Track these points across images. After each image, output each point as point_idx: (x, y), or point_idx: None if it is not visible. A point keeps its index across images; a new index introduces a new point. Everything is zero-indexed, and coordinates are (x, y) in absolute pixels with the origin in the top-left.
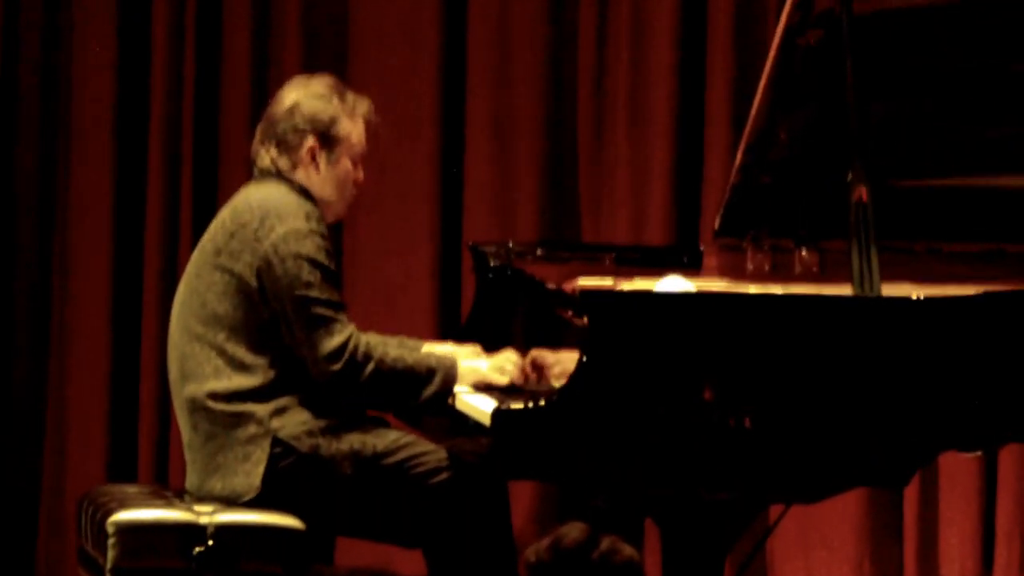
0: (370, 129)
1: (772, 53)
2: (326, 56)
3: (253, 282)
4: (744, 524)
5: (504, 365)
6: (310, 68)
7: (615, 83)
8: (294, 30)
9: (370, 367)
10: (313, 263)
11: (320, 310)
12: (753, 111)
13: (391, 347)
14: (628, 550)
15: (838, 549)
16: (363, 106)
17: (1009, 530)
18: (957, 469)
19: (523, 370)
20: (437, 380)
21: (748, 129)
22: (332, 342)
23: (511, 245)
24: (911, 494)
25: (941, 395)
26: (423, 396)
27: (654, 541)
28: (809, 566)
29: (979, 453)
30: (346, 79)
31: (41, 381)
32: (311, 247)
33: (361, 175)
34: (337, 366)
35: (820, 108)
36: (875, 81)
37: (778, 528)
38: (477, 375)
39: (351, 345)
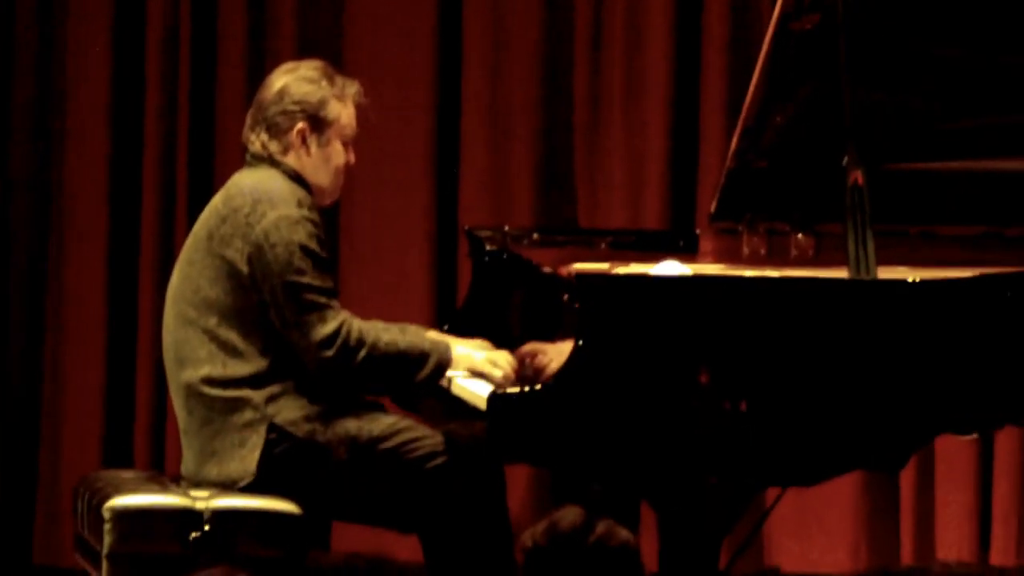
0: (360, 112)
1: (767, 38)
2: (321, 44)
3: (244, 268)
4: (741, 508)
5: (498, 359)
6: (305, 55)
7: (610, 70)
8: (289, 18)
9: (363, 352)
10: (304, 250)
11: (312, 296)
12: (748, 96)
13: (385, 332)
14: (624, 534)
15: (834, 532)
16: (352, 88)
17: (1006, 513)
18: (953, 452)
19: (516, 369)
20: (431, 363)
21: (744, 114)
22: (325, 329)
23: (507, 230)
24: (907, 477)
25: (937, 378)
26: (417, 379)
27: (650, 525)
28: (805, 549)
29: (975, 436)
30: (341, 67)
31: (36, 368)
32: (303, 234)
33: (352, 158)
34: (330, 352)
35: (815, 92)
36: (870, 65)
37: (775, 511)
38: (470, 362)
39: (344, 331)
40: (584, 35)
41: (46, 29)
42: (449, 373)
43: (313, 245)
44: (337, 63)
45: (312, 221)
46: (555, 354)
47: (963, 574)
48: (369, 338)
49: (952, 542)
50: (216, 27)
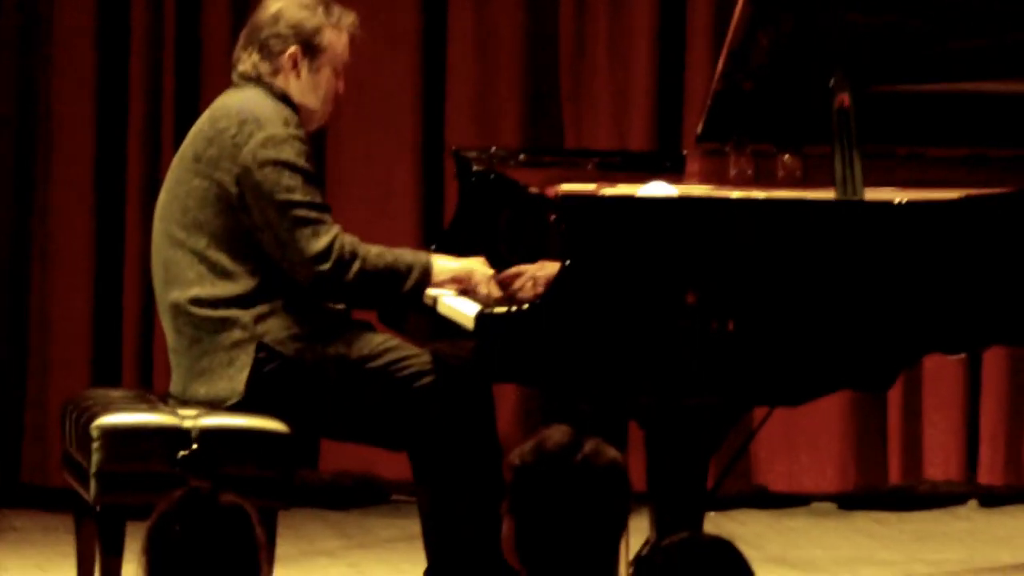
0: (354, 43)
1: None
2: None
3: (233, 189)
4: (728, 427)
5: (476, 266)
6: None
7: None
8: None
9: (356, 265)
10: (293, 167)
11: (304, 212)
12: (735, 17)
13: (372, 245)
14: (611, 452)
15: (822, 451)
16: (348, 19)
17: (993, 432)
18: (941, 372)
19: (498, 279)
20: (414, 274)
21: (730, 35)
22: (319, 243)
23: (494, 150)
24: (895, 397)
25: (924, 298)
26: (403, 291)
27: (637, 444)
28: (793, 468)
29: (963, 355)
30: None
31: (24, 287)
32: (290, 152)
33: (342, 87)
34: (326, 266)
35: (802, 14)
36: None
37: (763, 431)
38: (451, 272)
39: (338, 244)
40: None
41: None
42: (435, 292)
43: (302, 162)
44: None
45: (299, 138)
46: (537, 270)
47: (950, 494)
48: (360, 251)
49: (939, 462)
50: None
